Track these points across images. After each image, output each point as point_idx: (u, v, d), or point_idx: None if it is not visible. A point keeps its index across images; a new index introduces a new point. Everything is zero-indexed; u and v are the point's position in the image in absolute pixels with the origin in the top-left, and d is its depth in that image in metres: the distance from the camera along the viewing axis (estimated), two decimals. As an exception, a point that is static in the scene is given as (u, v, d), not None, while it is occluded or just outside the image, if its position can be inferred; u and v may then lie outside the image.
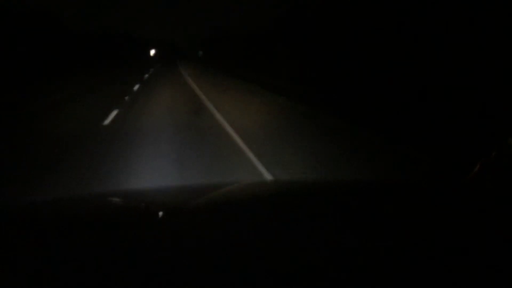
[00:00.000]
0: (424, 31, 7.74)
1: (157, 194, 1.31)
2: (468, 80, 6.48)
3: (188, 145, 5.68)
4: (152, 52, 79.14)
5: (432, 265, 0.66)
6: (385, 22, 9.02)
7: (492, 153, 1.52)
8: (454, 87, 6.72)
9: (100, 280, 0.63)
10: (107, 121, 7.59)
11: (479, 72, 6.34)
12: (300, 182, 2.14)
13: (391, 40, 8.69)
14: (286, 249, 0.73)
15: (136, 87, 15.18)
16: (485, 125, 5.19)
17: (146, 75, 22.62)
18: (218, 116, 8.19)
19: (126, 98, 11.52)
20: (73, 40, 32.18)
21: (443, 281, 0.61)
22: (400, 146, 5.74)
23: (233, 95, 12.81)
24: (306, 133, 6.84)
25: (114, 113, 8.51)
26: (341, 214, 0.96)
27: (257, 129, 6.93)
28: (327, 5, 12.67)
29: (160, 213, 1.03)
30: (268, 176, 4.28)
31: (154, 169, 4.47)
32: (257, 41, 22.58)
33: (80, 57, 31.24)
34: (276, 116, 8.60)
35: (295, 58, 15.17)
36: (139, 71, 25.42)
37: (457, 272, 0.65)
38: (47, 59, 23.17)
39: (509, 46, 5.87)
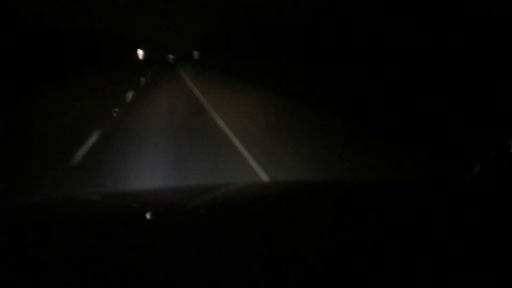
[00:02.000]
0: (426, 30, 7.75)
1: (154, 195, 1.31)
2: (468, 80, 6.48)
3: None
4: (140, 53, 59.92)
5: (431, 265, 0.65)
6: (387, 21, 9.03)
7: (492, 153, 1.51)
8: (454, 86, 6.72)
9: (98, 281, 0.63)
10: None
11: (479, 72, 6.35)
12: (298, 182, 2.14)
13: (391, 37, 8.70)
14: (284, 250, 0.72)
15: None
16: (485, 125, 5.19)
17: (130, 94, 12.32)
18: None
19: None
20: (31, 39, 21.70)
21: (443, 281, 0.61)
22: (399, 145, 5.74)
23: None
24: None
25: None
26: (339, 214, 0.96)
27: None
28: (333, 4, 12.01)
29: (158, 214, 1.03)
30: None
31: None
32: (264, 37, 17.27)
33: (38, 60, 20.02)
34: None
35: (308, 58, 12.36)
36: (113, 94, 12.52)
37: (457, 272, 0.64)
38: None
39: (510, 46, 5.87)
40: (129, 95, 12.45)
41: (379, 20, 9.32)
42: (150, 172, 4.55)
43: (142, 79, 19.01)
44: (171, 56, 53.01)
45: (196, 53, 52.14)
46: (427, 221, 0.89)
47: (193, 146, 5.82)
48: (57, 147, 5.68)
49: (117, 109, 9.01)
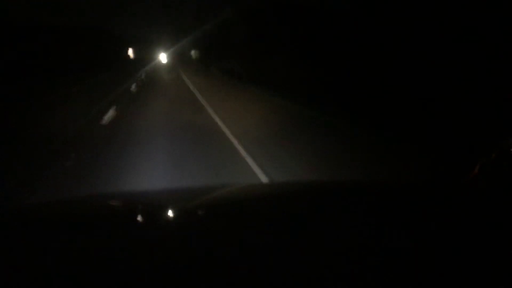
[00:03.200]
0: (426, 29, 7.75)
1: (154, 196, 1.31)
2: (468, 80, 6.48)
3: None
4: (131, 53, 50.52)
5: (431, 265, 0.65)
6: (386, 19, 9.00)
7: (492, 153, 1.52)
8: (454, 86, 6.72)
9: (96, 281, 0.63)
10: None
11: (479, 72, 6.35)
12: (298, 183, 2.13)
13: (389, 37, 8.69)
14: (284, 250, 0.73)
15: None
16: (485, 125, 5.19)
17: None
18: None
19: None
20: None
21: (442, 281, 0.61)
22: (399, 145, 5.74)
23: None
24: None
25: None
26: (339, 215, 0.96)
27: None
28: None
29: (158, 215, 1.03)
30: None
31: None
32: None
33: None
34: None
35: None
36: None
37: (457, 273, 0.64)
38: None
39: (510, 46, 5.87)
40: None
41: (386, 18, 9.14)
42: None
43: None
44: (165, 56, 47.38)
45: (194, 53, 47.57)
46: (427, 221, 0.89)
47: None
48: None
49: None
